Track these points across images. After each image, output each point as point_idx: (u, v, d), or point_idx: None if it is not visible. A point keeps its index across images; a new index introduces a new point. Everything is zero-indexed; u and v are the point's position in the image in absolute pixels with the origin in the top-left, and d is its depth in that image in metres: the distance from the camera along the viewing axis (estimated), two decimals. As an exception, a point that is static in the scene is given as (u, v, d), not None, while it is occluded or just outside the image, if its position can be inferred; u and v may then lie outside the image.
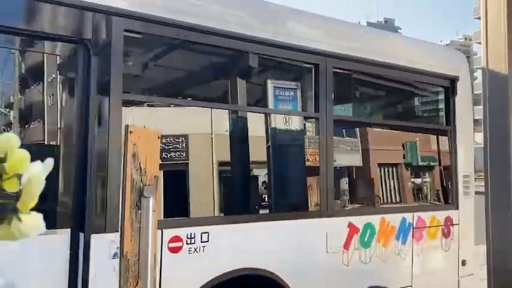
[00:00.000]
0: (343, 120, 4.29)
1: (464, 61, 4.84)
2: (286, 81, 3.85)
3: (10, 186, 0.52)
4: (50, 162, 0.55)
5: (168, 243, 2.67)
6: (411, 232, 4.11)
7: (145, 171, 2.20)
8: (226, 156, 3.59)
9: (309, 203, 3.75)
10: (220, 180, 3.50)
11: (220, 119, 3.52)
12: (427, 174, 4.96)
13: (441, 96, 4.81)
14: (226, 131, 3.51)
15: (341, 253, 3.62)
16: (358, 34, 4.45)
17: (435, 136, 4.95)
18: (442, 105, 4.83)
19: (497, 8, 2.40)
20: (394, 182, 4.74)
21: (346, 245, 3.59)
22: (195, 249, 2.81)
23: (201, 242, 2.84)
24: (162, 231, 2.56)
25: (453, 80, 4.49)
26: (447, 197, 4.66)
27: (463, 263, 4.46)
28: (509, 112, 2.47)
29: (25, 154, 0.53)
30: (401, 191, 4.70)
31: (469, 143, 4.71)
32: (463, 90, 4.54)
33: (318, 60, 3.67)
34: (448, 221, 4.40)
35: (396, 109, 5.36)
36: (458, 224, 4.45)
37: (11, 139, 0.52)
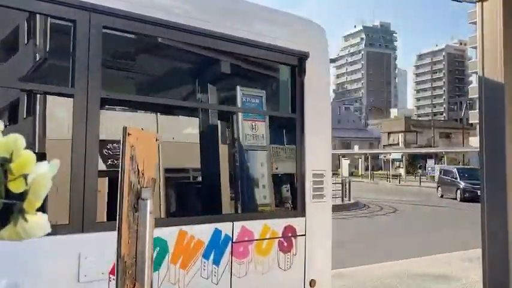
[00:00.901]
0: (119, 103, 3.21)
1: (319, 35, 3.97)
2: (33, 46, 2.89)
3: (16, 187, 0.53)
4: (56, 162, 0.55)
5: None
6: (229, 248, 3.12)
7: (142, 174, 2.20)
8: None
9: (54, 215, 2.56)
10: None
11: None
12: (264, 173, 3.80)
13: (287, 77, 3.82)
14: None
15: (105, 281, 2.54)
16: None
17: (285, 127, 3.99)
18: (288, 89, 3.81)
19: (493, 12, 2.43)
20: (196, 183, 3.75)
21: (114, 270, 2.12)
22: None
23: None
24: None
25: (301, 58, 3.62)
26: (294, 201, 3.72)
27: (312, 283, 3.56)
28: (504, 116, 2.49)
29: (31, 155, 0.54)
30: (218, 195, 3.59)
31: (323, 135, 3.83)
32: (315, 71, 3.69)
33: (77, 14, 2.60)
34: (289, 232, 3.47)
35: (218, 90, 3.87)
36: (304, 235, 3.55)
37: (18, 139, 0.53)
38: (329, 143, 3.97)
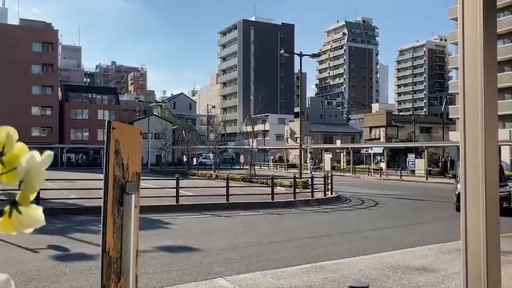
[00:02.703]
0: None
1: None
2: None
3: (9, 179, 0.53)
4: (49, 154, 0.55)
5: None
6: None
7: (127, 168, 2.19)
8: None
9: None
10: None
11: None
12: None
13: None
14: None
15: None
16: None
17: None
18: None
19: (473, 9, 2.47)
20: None
21: None
22: None
23: None
24: None
25: None
26: None
27: None
28: (483, 112, 2.55)
29: (24, 147, 0.53)
30: None
31: None
32: None
33: None
34: None
35: None
36: None
37: (10, 131, 0.53)
38: None
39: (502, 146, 39.62)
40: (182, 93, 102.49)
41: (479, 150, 2.26)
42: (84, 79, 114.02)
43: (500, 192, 14.97)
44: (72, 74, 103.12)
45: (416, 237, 11.81)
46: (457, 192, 16.32)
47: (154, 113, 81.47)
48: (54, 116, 68.81)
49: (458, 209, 15.32)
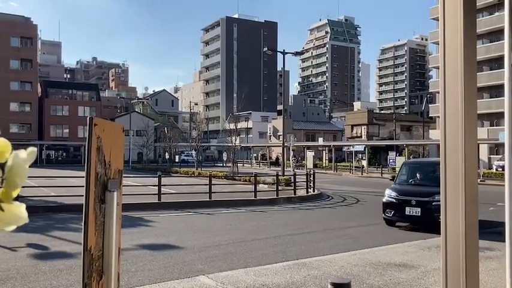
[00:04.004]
0: None
1: None
2: None
3: (-9, 176, 0.51)
4: (33, 150, 0.54)
5: None
6: None
7: (109, 165, 2.17)
8: None
9: None
10: None
11: None
12: None
13: None
14: None
15: None
16: None
17: None
18: None
19: (454, 9, 2.51)
20: None
21: None
22: None
23: None
24: None
25: None
26: None
27: None
28: (463, 110, 2.59)
29: (6, 143, 0.52)
30: None
31: None
32: None
33: None
34: None
35: None
36: None
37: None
38: None
39: (480, 145, 40.39)
40: (164, 90, 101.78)
41: (459, 148, 2.30)
42: (65, 75, 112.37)
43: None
44: (52, 70, 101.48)
45: (398, 234, 11.97)
46: (385, 200, 13.22)
47: (136, 110, 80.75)
48: (33, 113, 67.67)
49: (388, 223, 13.04)
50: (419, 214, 12.23)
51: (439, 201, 11.08)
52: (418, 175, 13.93)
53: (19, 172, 0.52)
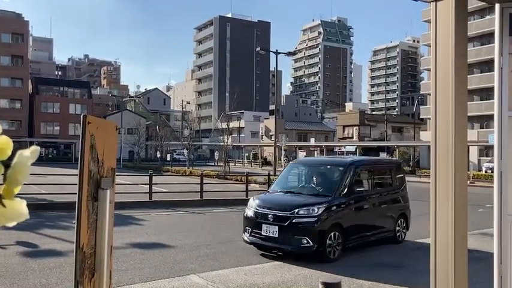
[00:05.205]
0: None
1: None
2: None
3: (-6, 172, 0.52)
4: (36, 149, 0.55)
5: None
6: None
7: (102, 163, 2.17)
8: None
9: None
10: None
11: None
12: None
13: None
14: None
15: None
16: None
17: None
18: None
19: (446, 12, 2.54)
20: None
21: None
22: None
23: None
24: None
25: None
26: None
27: None
28: (454, 112, 2.61)
29: (7, 140, 0.53)
30: None
31: None
32: None
33: None
34: None
35: None
36: None
37: (-7, 126, 0.52)
38: None
39: (470, 147, 40.74)
40: (156, 88, 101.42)
41: (449, 150, 2.33)
42: (56, 72, 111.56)
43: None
44: (43, 67, 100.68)
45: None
46: (245, 213, 9.40)
47: (128, 108, 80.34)
48: (23, 109, 67.08)
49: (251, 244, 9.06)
50: (276, 235, 8.52)
51: (304, 216, 8.48)
52: (303, 179, 10.53)
53: (22, 170, 0.53)
